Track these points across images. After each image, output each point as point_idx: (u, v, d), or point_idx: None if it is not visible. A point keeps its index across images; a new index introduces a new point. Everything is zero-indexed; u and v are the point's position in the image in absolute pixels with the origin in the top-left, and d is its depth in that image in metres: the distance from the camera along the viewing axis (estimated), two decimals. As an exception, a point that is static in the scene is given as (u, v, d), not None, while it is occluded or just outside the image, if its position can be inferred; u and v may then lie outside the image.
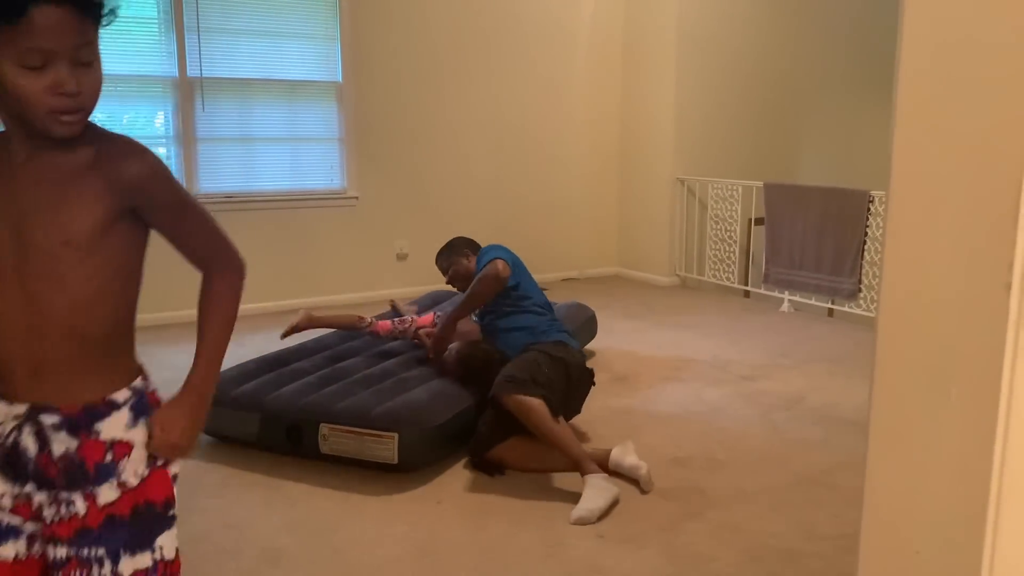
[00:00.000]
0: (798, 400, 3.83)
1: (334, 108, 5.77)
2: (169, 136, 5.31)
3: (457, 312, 3.35)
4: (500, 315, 3.34)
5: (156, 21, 5.17)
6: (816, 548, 2.50)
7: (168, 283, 5.45)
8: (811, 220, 5.43)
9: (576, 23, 6.62)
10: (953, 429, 0.91)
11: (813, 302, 5.56)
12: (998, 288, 0.85)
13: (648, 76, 6.60)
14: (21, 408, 1.25)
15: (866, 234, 5.10)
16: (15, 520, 1.27)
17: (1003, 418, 0.85)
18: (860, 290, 5.16)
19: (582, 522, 2.62)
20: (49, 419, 1.24)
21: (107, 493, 1.27)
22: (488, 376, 3.10)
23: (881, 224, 5.29)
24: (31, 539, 1.28)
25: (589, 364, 3.35)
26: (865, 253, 5.11)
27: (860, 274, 5.14)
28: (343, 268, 5.89)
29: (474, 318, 3.57)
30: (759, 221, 5.93)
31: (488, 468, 3.02)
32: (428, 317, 3.83)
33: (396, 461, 2.88)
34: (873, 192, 5.07)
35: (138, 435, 1.32)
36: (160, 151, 5.36)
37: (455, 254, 3.65)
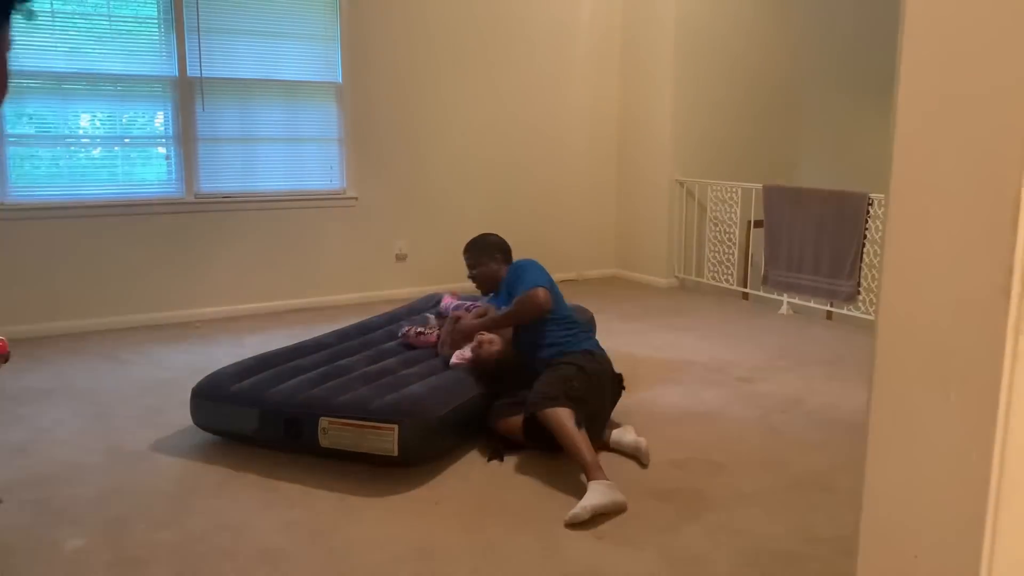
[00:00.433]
0: (796, 402, 3.83)
1: (334, 109, 5.77)
2: (169, 136, 5.31)
3: (492, 325, 3.44)
4: (528, 329, 3.44)
5: (156, 21, 5.17)
6: (814, 550, 2.50)
7: (167, 284, 5.48)
8: (810, 222, 5.43)
9: (575, 25, 6.63)
10: (952, 432, 0.91)
11: (812, 304, 5.57)
12: (997, 292, 0.85)
13: (647, 78, 6.60)
14: None
15: (865, 236, 5.10)
16: None
17: (1002, 421, 0.85)
18: (859, 292, 5.16)
19: (574, 519, 2.61)
20: None
21: None
22: (507, 376, 3.36)
23: (880, 227, 5.30)
24: None
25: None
26: (864, 256, 5.11)
27: (859, 277, 5.14)
28: (342, 268, 5.89)
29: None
30: (758, 223, 5.93)
31: (497, 449, 3.16)
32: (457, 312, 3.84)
33: (396, 453, 2.88)
34: (872, 194, 5.08)
35: None
36: (160, 151, 5.37)
37: (486, 255, 3.72)
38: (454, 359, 3.47)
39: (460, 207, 6.27)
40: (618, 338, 4.85)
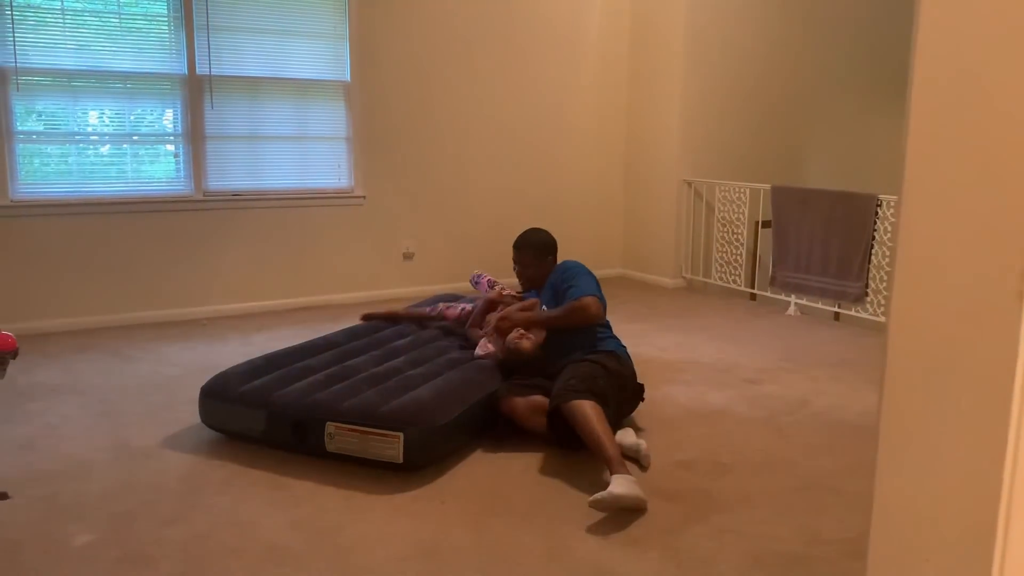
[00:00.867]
0: (803, 404, 3.82)
1: (342, 107, 5.78)
2: (178, 133, 5.32)
3: (541, 323, 3.49)
4: (560, 330, 3.47)
5: (166, 19, 5.18)
6: (820, 553, 2.49)
7: (175, 282, 5.50)
8: (818, 223, 5.42)
9: (584, 24, 6.62)
10: (963, 437, 0.91)
11: (819, 305, 5.55)
12: (1010, 296, 0.84)
13: (655, 77, 6.59)
14: None
15: (873, 238, 5.08)
16: None
17: (1014, 426, 0.85)
18: (867, 294, 5.14)
19: (598, 503, 2.62)
20: None
21: None
22: (525, 370, 3.40)
23: (889, 228, 5.29)
24: None
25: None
26: (872, 257, 5.10)
27: (867, 278, 5.13)
28: (349, 267, 5.90)
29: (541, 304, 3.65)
30: (766, 224, 5.92)
31: (502, 423, 3.21)
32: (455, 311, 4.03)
33: (401, 461, 2.90)
34: (881, 196, 5.06)
35: None
36: (169, 148, 5.38)
37: (539, 253, 3.77)
38: (479, 350, 3.51)
39: (468, 206, 6.27)
40: (625, 338, 4.82)
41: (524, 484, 2.95)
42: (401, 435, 2.88)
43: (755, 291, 6.13)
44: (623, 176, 6.97)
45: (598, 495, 2.65)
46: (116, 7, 5.04)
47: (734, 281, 6.20)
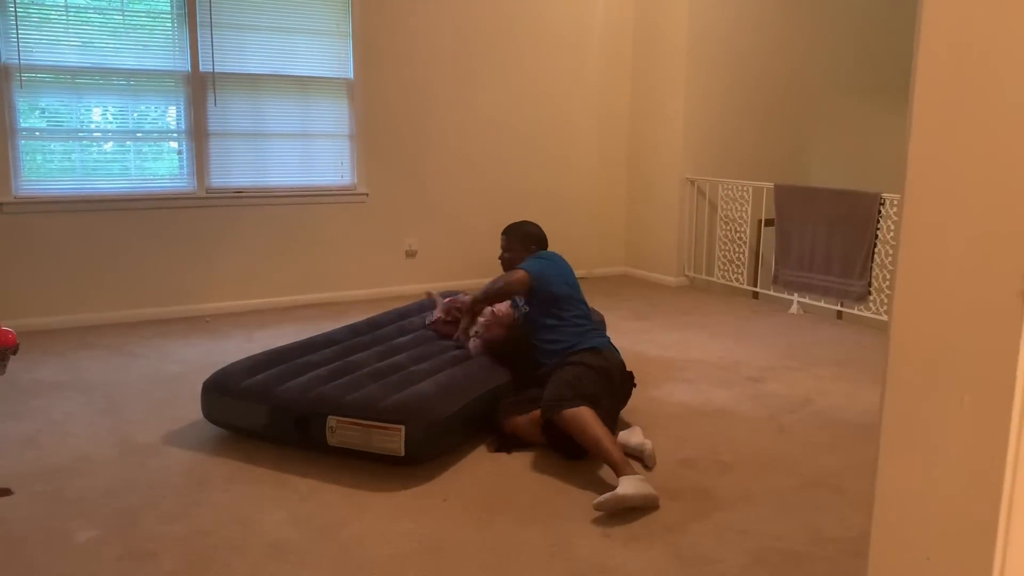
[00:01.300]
0: (805, 402, 3.82)
1: (345, 104, 5.78)
2: (181, 131, 5.32)
3: (480, 300, 3.58)
4: (540, 326, 3.48)
5: (170, 16, 5.18)
6: (822, 551, 2.50)
7: (178, 279, 5.50)
8: (821, 222, 5.41)
9: (587, 22, 6.61)
10: (965, 435, 0.91)
11: (822, 304, 5.55)
12: (1013, 295, 0.84)
13: (658, 75, 6.59)
14: None
15: (876, 237, 5.08)
16: None
17: (1016, 425, 0.85)
18: (870, 293, 5.14)
19: (602, 505, 2.63)
20: None
21: None
22: (511, 358, 3.44)
23: (892, 227, 5.28)
24: None
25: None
26: (875, 256, 5.09)
27: (870, 277, 5.12)
28: (352, 264, 5.91)
29: (522, 309, 3.66)
30: (769, 222, 5.91)
31: (505, 443, 3.19)
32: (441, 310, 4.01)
33: (403, 453, 2.90)
34: (884, 194, 5.05)
35: None
36: (172, 145, 5.39)
37: (519, 242, 3.81)
38: (472, 347, 3.58)
39: (470, 204, 6.27)
40: (628, 336, 4.85)
41: (526, 481, 2.95)
42: (403, 428, 2.89)
43: (758, 289, 6.13)
44: (626, 174, 6.96)
45: (602, 497, 2.65)
46: (119, 4, 5.04)
47: (737, 280, 6.20)
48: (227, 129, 5.42)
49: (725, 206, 6.32)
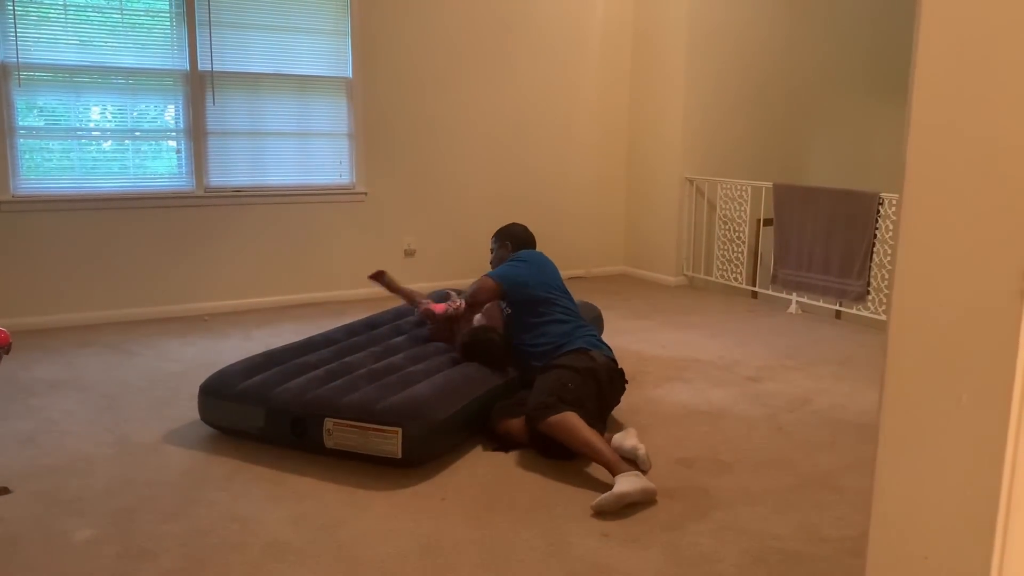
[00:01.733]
0: (804, 402, 3.82)
1: (344, 104, 5.78)
2: (179, 129, 5.32)
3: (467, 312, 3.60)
4: (525, 327, 3.48)
5: (168, 15, 5.18)
6: (820, 550, 2.50)
7: (176, 278, 5.50)
8: (820, 221, 5.41)
9: (586, 21, 6.61)
10: (963, 435, 0.91)
11: (821, 304, 5.55)
12: (1011, 295, 0.84)
13: (658, 74, 6.59)
14: None
15: (875, 236, 5.08)
16: None
17: (1014, 424, 0.85)
18: (868, 292, 5.14)
19: (600, 507, 2.64)
20: None
21: None
22: (491, 358, 3.41)
23: (891, 226, 5.28)
24: None
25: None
26: (874, 255, 5.09)
27: (868, 276, 5.12)
28: (350, 263, 5.90)
29: (506, 311, 3.64)
30: (768, 222, 5.91)
31: (501, 443, 3.18)
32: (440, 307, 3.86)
33: (400, 456, 2.90)
34: (883, 194, 5.05)
35: None
36: (171, 144, 5.38)
37: (506, 242, 3.86)
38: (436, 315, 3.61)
39: (469, 203, 6.27)
40: (626, 336, 4.85)
41: (524, 481, 2.95)
42: (400, 430, 2.89)
43: (756, 289, 6.13)
44: (625, 174, 6.96)
45: (600, 499, 2.65)
46: (118, 2, 5.04)
47: (735, 279, 6.20)
48: (226, 128, 5.42)
49: (724, 205, 6.32)
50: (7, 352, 2.89)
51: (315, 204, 5.74)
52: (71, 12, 4.92)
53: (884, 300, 4.99)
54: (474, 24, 6.13)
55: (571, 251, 6.66)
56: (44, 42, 4.87)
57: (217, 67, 5.29)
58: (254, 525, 2.61)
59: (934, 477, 0.95)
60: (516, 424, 3.15)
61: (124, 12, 5.06)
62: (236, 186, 5.49)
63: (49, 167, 5.07)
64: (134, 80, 5.13)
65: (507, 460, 3.11)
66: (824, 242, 5.38)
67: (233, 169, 5.49)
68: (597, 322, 4.49)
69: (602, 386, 3.26)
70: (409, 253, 6.13)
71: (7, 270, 4.89)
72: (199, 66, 5.24)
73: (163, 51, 5.19)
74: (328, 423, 2.99)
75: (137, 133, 5.26)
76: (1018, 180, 0.85)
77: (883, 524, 1.01)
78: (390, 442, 2.90)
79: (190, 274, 5.38)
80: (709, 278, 6.42)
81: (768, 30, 6.59)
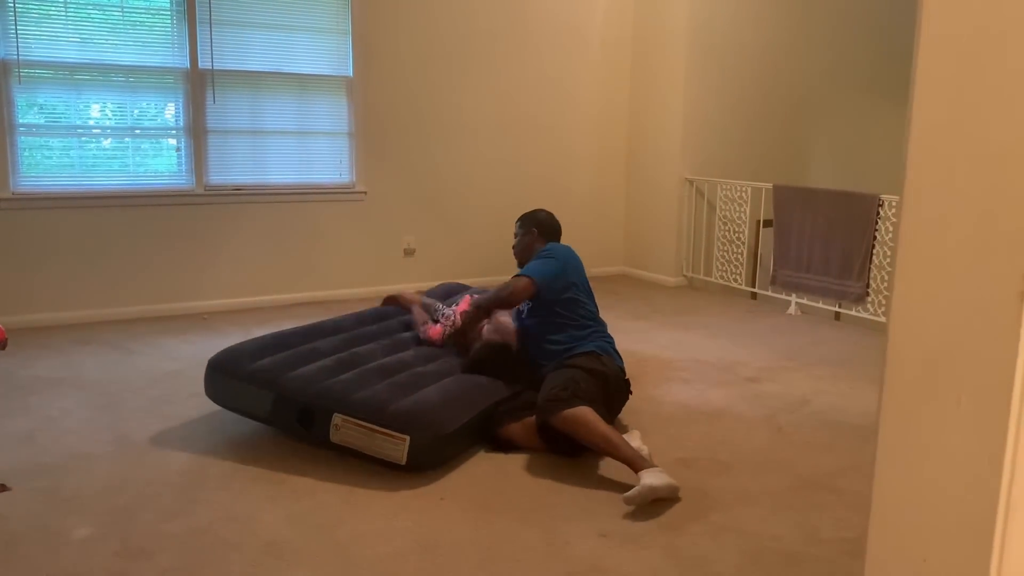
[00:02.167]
0: (803, 403, 3.82)
1: (344, 102, 5.77)
2: (180, 127, 5.32)
3: (480, 313, 3.49)
4: (544, 325, 3.43)
5: (169, 13, 5.18)
6: (819, 552, 2.50)
7: (176, 276, 5.50)
8: (820, 223, 5.41)
9: (586, 21, 6.61)
10: (962, 437, 0.91)
11: (820, 305, 5.55)
12: (1011, 297, 0.84)
13: (657, 75, 6.59)
14: None
15: (875, 238, 5.08)
16: None
17: (1013, 427, 0.85)
18: (868, 294, 5.14)
19: (631, 500, 2.64)
20: None
21: None
22: (501, 369, 3.31)
23: (890, 228, 5.28)
24: None
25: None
26: (873, 257, 5.09)
27: (868, 278, 5.13)
28: (350, 262, 5.90)
29: (514, 322, 3.56)
30: (767, 223, 5.91)
31: (503, 446, 3.15)
32: (465, 303, 3.79)
33: (404, 463, 2.88)
34: (883, 196, 5.06)
35: None
36: (170, 142, 5.38)
37: (531, 229, 3.73)
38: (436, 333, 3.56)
39: (469, 203, 6.27)
40: (626, 336, 4.84)
41: (524, 481, 2.95)
42: (408, 438, 2.86)
43: (756, 290, 6.13)
44: (625, 174, 6.96)
45: (631, 491, 2.65)
46: (119, 0, 5.03)
47: (735, 280, 6.20)
48: (226, 126, 5.41)
49: (724, 206, 6.32)
50: (3, 348, 2.89)
51: (315, 203, 5.74)
52: (72, 10, 4.92)
53: (883, 302, 5.00)
54: (475, 24, 6.12)
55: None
56: (45, 39, 4.87)
57: (217, 65, 5.29)
58: (252, 524, 2.61)
59: (933, 479, 0.95)
60: (518, 428, 3.13)
61: (125, 10, 5.06)
62: (236, 185, 5.48)
63: (49, 165, 5.07)
64: (134, 78, 5.13)
65: (506, 460, 3.11)
66: (824, 243, 5.38)
67: (233, 167, 5.49)
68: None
69: (609, 393, 3.25)
70: (409, 252, 6.13)
71: (6, 268, 4.88)
72: (199, 64, 5.24)
73: (163, 49, 5.19)
74: (337, 418, 2.96)
75: (137, 131, 5.26)
76: (1018, 182, 0.85)
77: (882, 526, 1.01)
78: (397, 448, 2.87)
79: (190, 272, 5.37)
80: (709, 279, 6.42)
81: (768, 31, 6.59)
